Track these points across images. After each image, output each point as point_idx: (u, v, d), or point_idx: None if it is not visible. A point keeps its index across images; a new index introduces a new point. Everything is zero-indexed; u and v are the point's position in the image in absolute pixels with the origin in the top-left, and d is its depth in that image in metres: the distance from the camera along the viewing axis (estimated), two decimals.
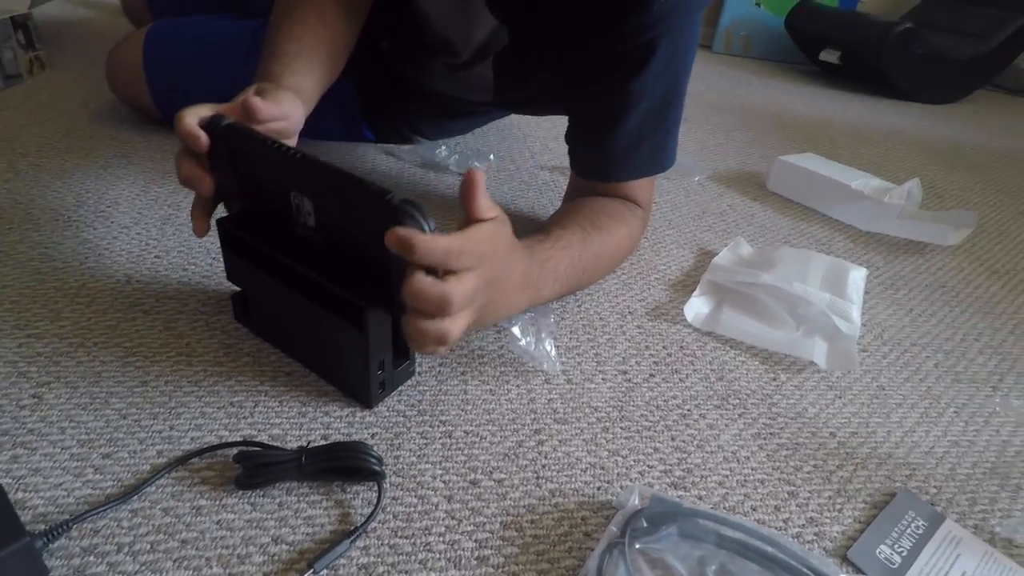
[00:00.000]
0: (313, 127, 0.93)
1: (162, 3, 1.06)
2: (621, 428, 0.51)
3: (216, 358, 0.51)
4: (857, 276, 0.75)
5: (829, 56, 2.12)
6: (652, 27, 0.62)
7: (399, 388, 0.51)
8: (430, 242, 0.36)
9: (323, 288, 0.45)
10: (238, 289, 0.54)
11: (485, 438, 0.48)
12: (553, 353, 0.55)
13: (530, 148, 1.07)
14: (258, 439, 0.44)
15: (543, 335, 0.55)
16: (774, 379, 0.60)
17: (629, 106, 0.66)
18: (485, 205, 0.41)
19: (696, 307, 0.68)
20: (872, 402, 0.59)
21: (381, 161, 0.95)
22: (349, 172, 0.41)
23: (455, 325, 0.39)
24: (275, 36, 0.61)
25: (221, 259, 0.58)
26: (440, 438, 0.47)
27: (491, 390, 0.52)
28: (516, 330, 0.55)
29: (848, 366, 0.62)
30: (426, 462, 0.45)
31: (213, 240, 0.66)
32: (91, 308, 0.55)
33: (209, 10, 0.95)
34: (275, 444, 0.44)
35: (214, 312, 0.56)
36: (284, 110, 0.50)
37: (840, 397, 0.59)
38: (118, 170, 0.78)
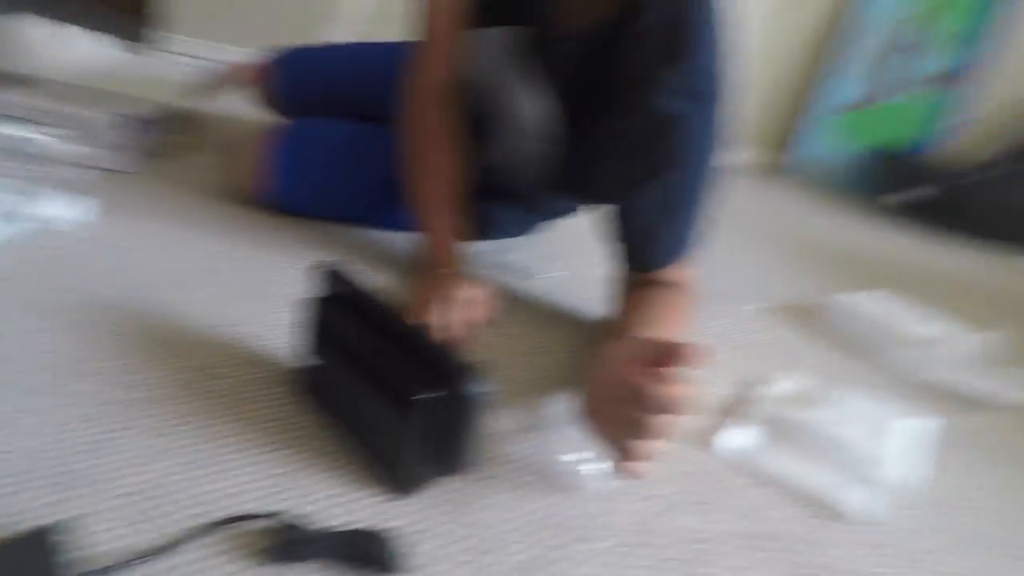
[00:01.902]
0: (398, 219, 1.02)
1: (291, 77, 1.18)
2: (638, 556, 0.51)
3: (273, 428, 0.56)
4: (907, 427, 0.73)
5: (906, 196, 2.11)
6: (680, 96, 0.70)
7: (437, 481, 0.54)
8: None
9: (384, 376, 0.51)
10: (307, 364, 0.59)
11: (503, 548, 0.49)
12: (582, 468, 0.57)
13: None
14: (296, 511, 0.47)
15: (573, 448, 0.57)
16: (804, 525, 0.59)
17: (654, 188, 0.75)
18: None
19: (733, 438, 0.68)
20: (905, 565, 0.57)
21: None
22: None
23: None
24: (428, 208, 0.85)
25: (296, 336, 0.64)
26: (459, 540, 0.49)
27: (518, 497, 0.54)
28: (552, 440, 0.58)
29: (878, 519, 0.61)
30: (442, 563, 0.47)
31: (291, 315, 0.73)
32: (171, 363, 0.61)
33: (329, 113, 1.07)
34: (307, 521, 0.47)
35: (279, 383, 0.62)
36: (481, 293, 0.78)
37: (871, 554, 0.57)
38: (225, 243, 0.89)
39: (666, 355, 0.48)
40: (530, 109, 0.83)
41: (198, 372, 0.61)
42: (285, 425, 0.57)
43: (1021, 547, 0.63)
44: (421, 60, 0.86)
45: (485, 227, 1.05)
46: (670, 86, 0.69)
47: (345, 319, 0.56)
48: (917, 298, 1.30)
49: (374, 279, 0.86)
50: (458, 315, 0.72)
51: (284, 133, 0.97)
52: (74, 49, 1.31)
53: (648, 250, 0.79)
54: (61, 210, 0.82)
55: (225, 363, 0.63)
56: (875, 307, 1.06)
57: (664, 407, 0.47)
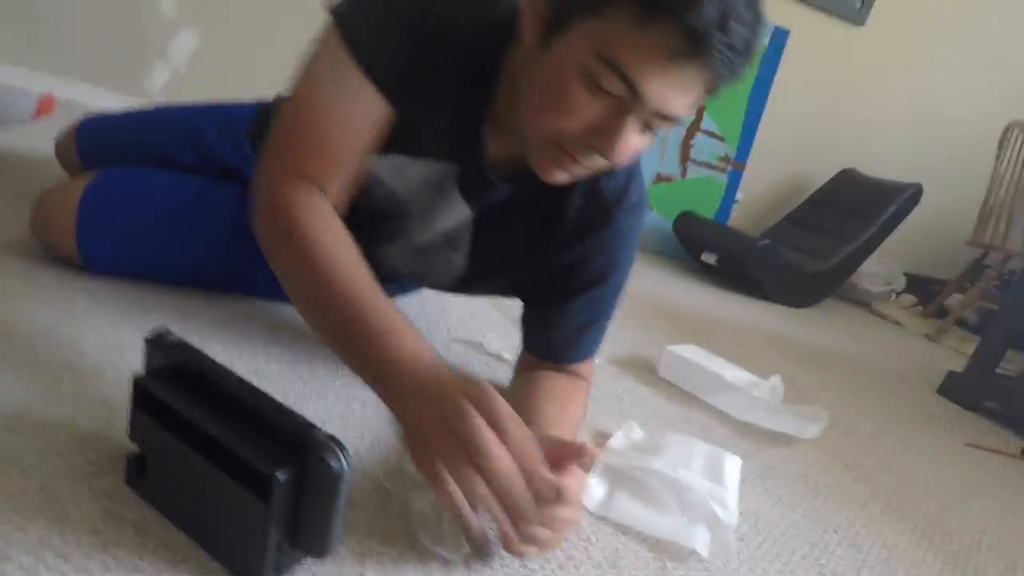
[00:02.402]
0: (248, 284, 0.92)
1: (91, 149, 1.03)
2: None
3: (94, 526, 0.47)
4: (733, 464, 0.82)
5: (708, 258, 2.45)
6: (610, 241, 0.78)
7: (292, 570, 0.49)
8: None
9: (231, 453, 0.45)
10: (134, 449, 0.51)
11: None
12: (451, 539, 0.56)
13: (446, 322, 1.13)
14: None
15: (445, 519, 0.56)
16: (662, 568, 0.63)
17: (583, 298, 0.79)
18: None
19: (591, 489, 0.71)
20: None
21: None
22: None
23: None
24: (350, 302, 0.57)
25: (120, 413, 0.55)
26: None
27: (388, 573, 0.51)
28: (421, 509, 0.56)
29: (727, 555, 0.67)
30: None
31: (112, 391, 0.63)
32: None
33: (145, 151, 0.95)
34: None
35: (100, 472, 0.53)
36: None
37: None
38: (31, 307, 0.75)
39: (566, 453, 0.54)
40: (443, 223, 0.80)
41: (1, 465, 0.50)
42: (111, 521, 0.48)
43: (827, 564, 0.73)
44: (302, 165, 0.64)
45: None
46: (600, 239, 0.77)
47: (182, 393, 0.49)
48: (727, 347, 1.50)
49: (208, 345, 0.78)
50: (500, 454, 0.48)
51: (93, 184, 0.84)
52: None
53: (565, 347, 0.82)
54: None
55: (34, 452, 0.53)
56: (698, 356, 1.19)
57: (563, 500, 0.50)
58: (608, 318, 0.83)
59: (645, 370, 1.19)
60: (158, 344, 0.50)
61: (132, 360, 0.69)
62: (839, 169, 3.07)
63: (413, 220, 0.80)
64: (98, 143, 1.03)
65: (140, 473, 0.51)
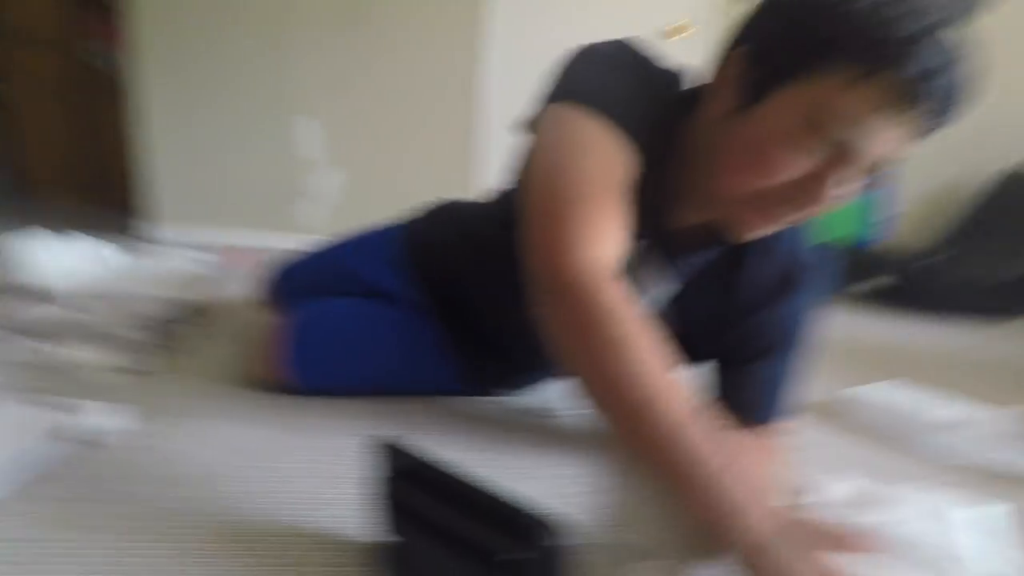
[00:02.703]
0: (432, 384, 1.01)
1: (281, 289, 1.18)
2: None
3: None
4: (975, 517, 0.73)
5: (879, 282, 2.24)
6: (795, 302, 0.78)
7: None
8: None
9: (464, 542, 0.51)
10: (382, 542, 0.59)
11: None
12: None
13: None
14: None
15: None
16: None
17: (773, 357, 0.79)
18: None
19: None
20: None
21: (487, 410, 1.03)
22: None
23: None
24: (668, 417, 0.53)
25: (363, 514, 0.63)
26: None
27: None
28: None
29: None
30: None
31: (346, 491, 0.72)
32: (240, 558, 0.60)
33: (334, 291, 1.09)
34: None
35: (352, 563, 0.60)
36: None
37: None
38: (265, 431, 0.89)
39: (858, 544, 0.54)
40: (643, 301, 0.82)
41: (267, 563, 0.59)
42: None
43: None
44: (571, 239, 0.58)
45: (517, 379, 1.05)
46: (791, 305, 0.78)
47: (415, 492, 0.56)
48: (922, 381, 1.34)
49: (423, 442, 0.87)
50: None
51: (296, 320, 0.99)
52: (79, 256, 1.37)
53: (759, 407, 0.81)
54: (102, 421, 0.82)
55: (293, 549, 0.62)
56: (893, 396, 1.09)
57: None
58: (798, 376, 0.82)
59: (834, 417, 1.11)
60: (394, 449, 0.58)
61: (369, 466, 0.79)
62: (1003, 167, 2.72)
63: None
64: (286, 284, 1.19)
65: (387, 564, 0.58)
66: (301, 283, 1.16)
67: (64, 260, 1.31)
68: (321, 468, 0.78)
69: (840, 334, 1.83)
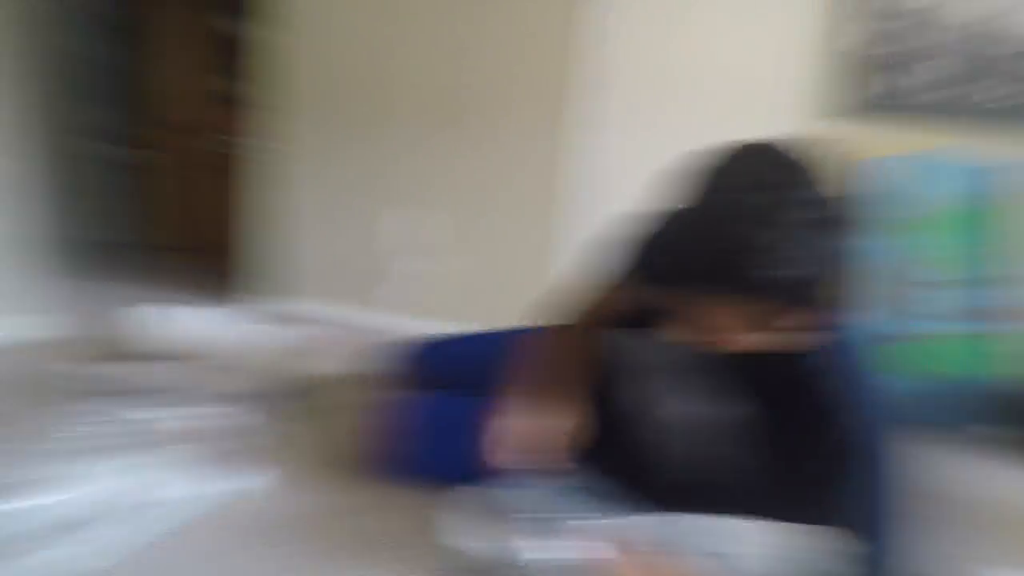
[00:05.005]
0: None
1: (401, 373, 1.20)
2: None
3: None
4: None
5: (1009, 429, 1.75)
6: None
7: None
8: None
9: None
10: None
11: None
12: None
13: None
14: None
15: None
16: None
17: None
18: None
19: None
20: None
21: None
22: None
23: None
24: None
25: None
26: None
27: None
28: None
29: None
30: None
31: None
32: None
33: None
34: None
35: None
36: None
37: None
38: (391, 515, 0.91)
39: None
40: (674, 410, 0.85)
41: None
42: None
43: None
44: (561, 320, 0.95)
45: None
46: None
47: None
48: None
49: None
50: None
51: (416, 408, 1.03)
52: (204, 324, 1.48)
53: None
54: (233, 484, 0.87)
55: None
56: None
57: None
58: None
59: None
60: None
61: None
62: None
63: (643, 404, 0.89)
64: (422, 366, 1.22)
65: None
66: (435, 367, 1.19)
67: (190, 327, 1.41)
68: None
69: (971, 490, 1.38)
